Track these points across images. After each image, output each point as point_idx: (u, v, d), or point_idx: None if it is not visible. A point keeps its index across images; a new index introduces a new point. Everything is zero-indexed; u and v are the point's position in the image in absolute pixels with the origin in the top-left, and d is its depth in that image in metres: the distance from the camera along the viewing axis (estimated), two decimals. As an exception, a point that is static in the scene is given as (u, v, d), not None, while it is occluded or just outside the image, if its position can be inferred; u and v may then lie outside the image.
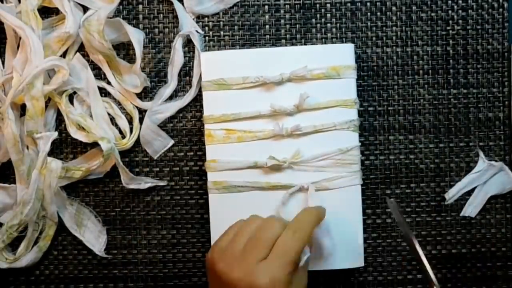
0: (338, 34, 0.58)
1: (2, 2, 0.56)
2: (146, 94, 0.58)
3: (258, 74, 0.54)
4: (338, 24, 0.58)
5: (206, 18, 0.58)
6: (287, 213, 0.54)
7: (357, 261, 0.55)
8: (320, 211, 0.51)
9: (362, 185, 0.55)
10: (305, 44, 0.58)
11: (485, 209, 0.58)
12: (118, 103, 0.58)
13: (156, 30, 0.58)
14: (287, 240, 0.47)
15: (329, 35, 0.58)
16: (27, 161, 0.55)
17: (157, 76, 0.58)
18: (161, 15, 0.58)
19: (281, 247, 0.46)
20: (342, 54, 0.54)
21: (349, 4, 0.58)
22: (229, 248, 0.48)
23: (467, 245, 0.58)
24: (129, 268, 0.58)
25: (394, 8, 0.58)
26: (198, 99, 0.58)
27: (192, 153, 0.58)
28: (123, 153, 0.57)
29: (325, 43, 0.58)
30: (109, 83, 0.58)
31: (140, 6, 0.58)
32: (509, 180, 0.57)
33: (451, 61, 0.58)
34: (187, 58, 0.58)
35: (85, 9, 0.57)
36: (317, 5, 0.58)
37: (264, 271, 0.45)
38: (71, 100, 0.57)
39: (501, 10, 0.57)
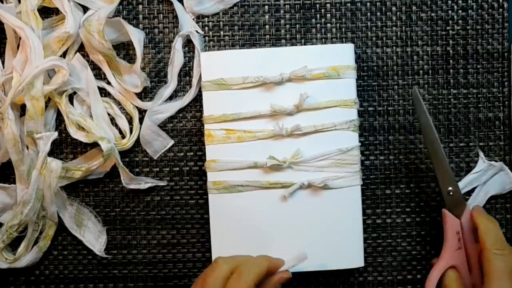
0: (338, 34, 0.58)
1: (2, 2, 0.56)
2: (146, 94, 0.58)
3: (258, 74, 0.54)
4: (338, 24, 0.58)
5: (206, 18, 0.58)
6: (289, 212, 0.54)
7: (357, 261, 0.55)
8: (271, 259, 0.53)
9: (362, 185, 0.55)
10: (305, 44, 0.58)
11: (485, 209, 0.57)
12: (118, 103, 0.58)
13: (156, 30, 0.58)
14: (232, 283, 0.49)
15: (329, 35, 0.58)
16: (27, 161, 0.55)
17: (157, 76, 0.58)
18: (161, 15, 0.58)
19: None
20: (342, 54, 0.54)
21: (349, 4, 0.58)
22: None
23: (467, 245, 0.58)
24: (129, 268, 0.58)
25: (394, 8, 0.58)
26: (198, 99, 0.58)
27: (192, 153, 0.58)
28: (123, 153, 0.57)
29: (325, 43, 0.58)
30: (109, 83, 0.58)
31: (140, 6, 0.58)
32: (509, 180, 0.57)
33: (451, 61, 0.58)
34: (187, 58, 0.58)
35: (85, 9, 0.57)
36: (317, 5, 0.58)
37: None
38: (71, 100, 0.57)
39: (501, 10, 0.57)
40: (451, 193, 0.53)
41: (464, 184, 0.57)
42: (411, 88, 0.58)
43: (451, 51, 0.58)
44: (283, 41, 0.58)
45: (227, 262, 0.50)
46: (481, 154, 0.57)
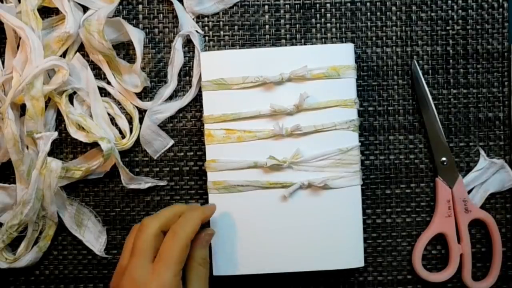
0: (338, 34, 0.58)
1: (2, 2, 0.56)
2: (146, 94, 0.58)
3: (258, 74, 0.54)
4: (338, 24, 0.58)
5: (206, 18, 0.58)
6: (289, 212, 0.54)
7: (357, 261, 0.55)
8: (203, 210, 0.51)
9: (362, 185, 0.55)
10: (305, 44, 0.58)
11: (485, 209, 0.58)
12: (118, 103, 0.58)
13: (156, 30, 0.58)
14: (167, 242, 0.47)
15: (329, 35, 0.58)
16: (27, 161, 0.55)
17: (157, 76, 0.58)
18: (161, 15, 0.58)
19: (163, 250, 0.46)
20: (342, 54, 0.54)
21: (349, 4, 0.58)
22: (117, 266, 0.48)
23: (467, 245, 0.58)
24: (129, 268, 0.58)
25: (394, 8, 0.58)
26: (198, 99, 0.58)
27: (192, 153, 0.58)
28: (123, 153, 0.57)
29: (325, 43, 0.58)
30: (109, 83, 0.58)
31: (140, 6, 0.58)
32: (509, 178, 0.57)
33: (451, 61, 0.58)
34: (187, 58, 0.58)
35: (85, 9, 0.57)
36: (317, 5, 0.58)
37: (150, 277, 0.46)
38: (71, 100, 0.57)
39: (501, 10, 0.57)
40: (444, 163, 0.56)
41: (466, 183, 0.57)
42: (411, 88, 0.58)
43: (451, 51, 0.58)
44: (283, 41, 0.58)
45: (156, 220, 0.48)
46: (482, 152, 0.57)
